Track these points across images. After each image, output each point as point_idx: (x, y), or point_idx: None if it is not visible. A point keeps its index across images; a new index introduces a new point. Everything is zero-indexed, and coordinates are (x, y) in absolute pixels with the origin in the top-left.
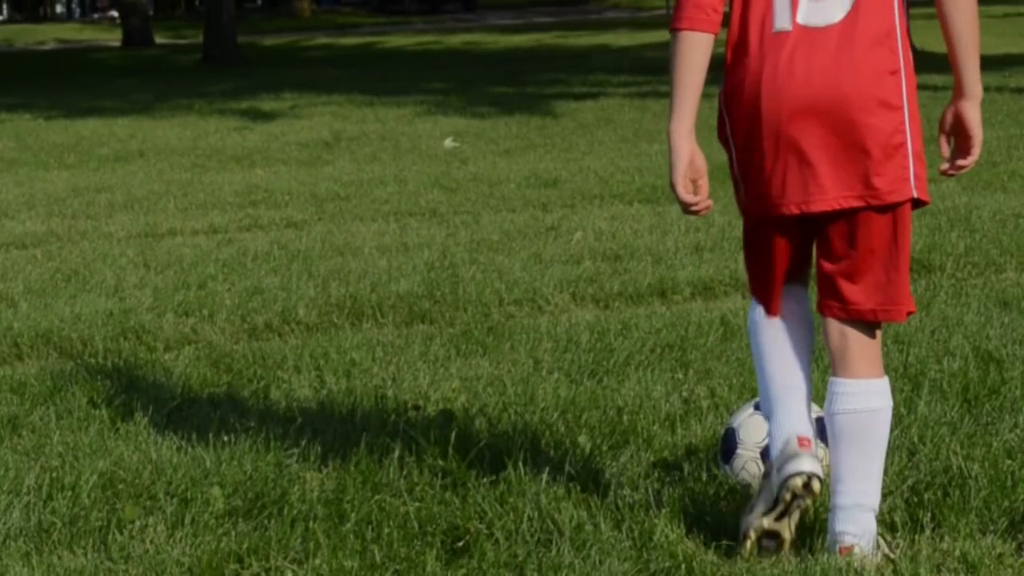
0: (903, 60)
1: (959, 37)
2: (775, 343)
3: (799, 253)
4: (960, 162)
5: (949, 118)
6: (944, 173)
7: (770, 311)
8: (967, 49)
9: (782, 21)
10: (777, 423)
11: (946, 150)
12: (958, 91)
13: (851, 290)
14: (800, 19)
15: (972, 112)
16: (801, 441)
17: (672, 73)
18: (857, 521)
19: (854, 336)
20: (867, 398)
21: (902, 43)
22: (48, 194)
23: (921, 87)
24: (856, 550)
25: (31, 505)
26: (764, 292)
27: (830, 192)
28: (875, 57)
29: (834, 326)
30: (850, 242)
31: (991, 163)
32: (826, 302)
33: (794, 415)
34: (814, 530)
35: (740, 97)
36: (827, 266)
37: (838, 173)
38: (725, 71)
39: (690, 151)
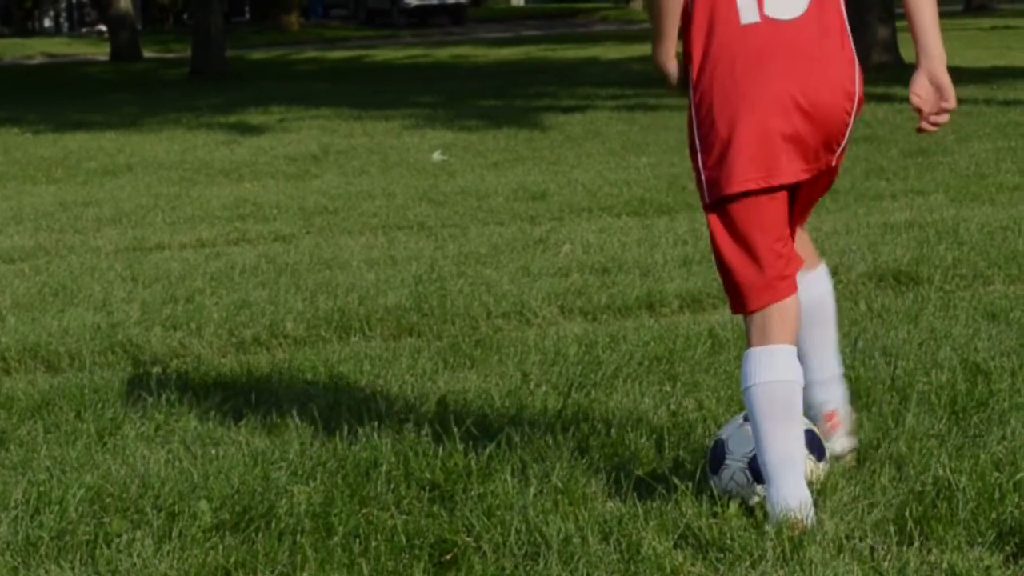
0: (853, 49)
1: (922, 8)
2: (773, 410)
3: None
4: (945, 106)
5: (924, 81)
6: (924, 129)
7: (782, 292)
8: (930, 18)
9: (749, 15)
10: (775, 493)
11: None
12: (924, 55)
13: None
14: (767, 12)
15: (941, 70)
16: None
17: (652, 7)
18: (835, 390)
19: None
20: (825, 281)
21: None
22: (36, 208)
23: (909, 100)
24: (840, 413)
25: (18, 519)
26: (766, 277)
27: (798, 164)
28: (838, 47)
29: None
30: (808, 200)
31: (979, 175)
32: None
33: (790, 487)
34: (801, 545)
35: (713, 90)
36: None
37: (810, 148)
38: (695, 71)
39: (675, 68)
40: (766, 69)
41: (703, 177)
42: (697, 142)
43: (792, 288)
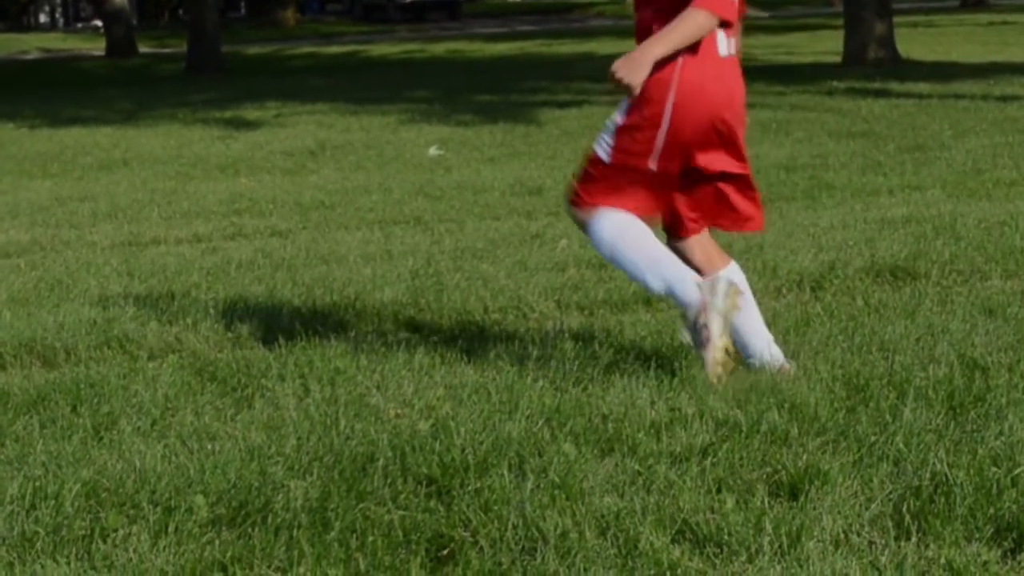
0: None
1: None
2: (647, 235)
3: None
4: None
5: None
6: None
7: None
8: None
9: (724, 49)
10: (686, 287)
11: None
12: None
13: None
14: (725, 51)
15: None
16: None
17: (681, 33)
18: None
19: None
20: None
21: None
22: (32, 203)
23: (906, 95)
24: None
25: (14, 514)
26: (636, 206)
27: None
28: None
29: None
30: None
31: (976, 171)
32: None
33: (688, 283)
34: (800, 535)
35: (695, 95)
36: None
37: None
38: (681, 76)
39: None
40: (729, 88)
41: None
42: None
43: None
